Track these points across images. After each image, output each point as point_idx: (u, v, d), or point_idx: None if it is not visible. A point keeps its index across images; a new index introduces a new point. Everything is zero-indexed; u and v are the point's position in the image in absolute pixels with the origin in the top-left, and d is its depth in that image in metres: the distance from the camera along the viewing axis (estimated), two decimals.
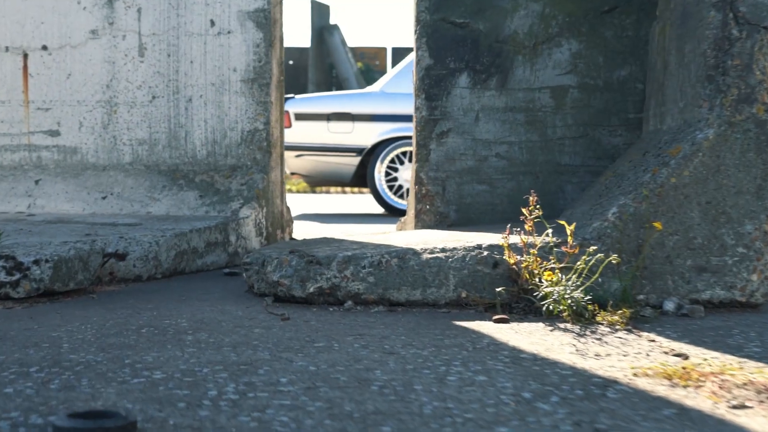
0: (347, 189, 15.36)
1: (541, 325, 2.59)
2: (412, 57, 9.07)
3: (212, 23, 4.45)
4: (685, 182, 2.83)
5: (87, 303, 3.00)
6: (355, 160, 8.84)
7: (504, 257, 2.82)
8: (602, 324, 2.57)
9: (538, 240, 2.78)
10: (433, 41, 3.98)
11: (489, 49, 3.97)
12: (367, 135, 8.81)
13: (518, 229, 2.81)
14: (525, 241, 2.76)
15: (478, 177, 3.95)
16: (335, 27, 20.59)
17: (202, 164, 4.49)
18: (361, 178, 8.95)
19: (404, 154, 8.82)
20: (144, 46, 4.52)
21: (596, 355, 2.20)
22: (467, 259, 2.85)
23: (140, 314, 2.78)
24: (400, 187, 8.85)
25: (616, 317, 2.54)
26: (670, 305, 2.75)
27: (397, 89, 8.81)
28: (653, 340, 2.38)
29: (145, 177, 4.50)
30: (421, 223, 3.97)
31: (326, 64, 20.33)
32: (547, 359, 2.15)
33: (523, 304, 2.76)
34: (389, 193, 8.81)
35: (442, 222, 3.95)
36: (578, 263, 2.64)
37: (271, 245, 3.55)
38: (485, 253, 2.85)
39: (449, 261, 2.86)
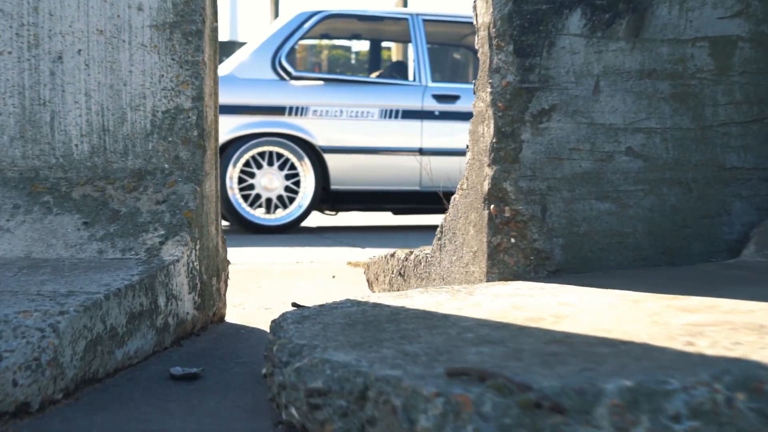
0: None
1: None
2: (270, 32, 7.27)
3: None
4: None
5: None
6: None
7: None
8: None
9: None
10: None
11: None
12: None
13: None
14: None
15: (599, 188, 2.31)
16: None
17: (83, 168, 2.59)
18: None
19: (262, 155, 7.02)
20: None
21: None
22: None
23: None
24: (258, 196, 7.04)
25: None
26: None
27: (255, 73, 6.99)
28: None
29: None
30: (499, 267, 2.28)
31: None
32: None
33: None
34: (244, 205, 6.98)
35: (540, 266, 2.27)
36: None
37: (291, 324, 1.76)
38: None
39: None
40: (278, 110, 6.97)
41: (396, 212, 7.91)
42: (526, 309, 1.83)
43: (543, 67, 2.29)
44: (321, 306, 2.05)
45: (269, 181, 7.02)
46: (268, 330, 2.68)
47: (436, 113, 7.24)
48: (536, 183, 2.28)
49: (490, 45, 2.30)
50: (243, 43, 9.22)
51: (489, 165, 2.30)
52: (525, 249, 2.28)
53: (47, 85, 2.59)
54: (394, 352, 1.49)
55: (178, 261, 2.40)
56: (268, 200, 7.05)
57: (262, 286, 3.69)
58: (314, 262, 4.69)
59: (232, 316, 2.91)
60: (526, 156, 2.28)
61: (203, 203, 2.59)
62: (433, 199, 7.36)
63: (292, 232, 7.09)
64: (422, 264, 2.78)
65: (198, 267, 2.53)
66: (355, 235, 7.00)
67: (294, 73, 7.09)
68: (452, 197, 2.58)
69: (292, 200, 7.07)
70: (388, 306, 1.98)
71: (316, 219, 8.51)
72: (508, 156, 2.28)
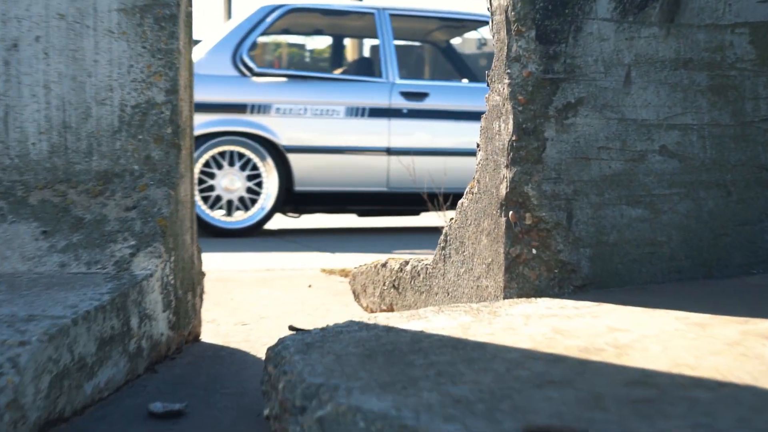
0: None
1: None
2: (230, 26, 6.96)
3: None
4: None
5: None
6: None
7: None
8: None
9: None
10: None
11: None
12: None
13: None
14: None
15: (630, 192, 2.06)
16: None
17: (41, 170, 2.28)
18: None
19: (223, 154, 6.70)
20: None
21: None
22: None
23: None
24: (218, 198, 6.71)
25: None
26: None
27: (214, 69, 6.66)
28: None
29: None
30: (518, 281, 2.02)
31: None
32: None
33: None
34: (203, 207, 6.65)
35: (565, 279, 2.01)
36: None
37: (295, 353, 1.48)
38: None
39: None
40: (239, 108, 6.66)
41: (361, 214, 7.62)
42: (572, 335, 1.56)
43: (569, 55, 2.03)
44: (323, 330, 1.77)
45: (230, 182, 6.70)
46: (249, 351, 2.39)
47: (405, 111, 6.97)
48: (561, 186, 2.02)
49: (508, 30, 2.03)
50: (196, 42, 8.91)
51: (507, 166, 2.04)
52: (548, 261, 2.02)
53: (1, 76, 2.27)
54: (437, 396, 1.21)
55: (151, 275, 2.10)
56: (229, 202, 6.73)
57: (235, 298, 3.39)
58: (285, 270, 4.39)
59: (207, 334, 2.62)
60: (550, 156, 2.02)
61: (178, 209, 2.29)
62: (401, 201, 7.09)
63: (255, 235, 6.78)
64: (421, 276, 2.51)
65: (173, 281, 2.24)
66: (320, 239, 6.71)
67: (256, 69, 6.78)
68: (459, 202, 2.31)
69: (254, 202, 6.76)
70: (404, 330, 1.71)
71: (277, 221, 8.21)
72: (530, 156, 2.01)
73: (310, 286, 3.74)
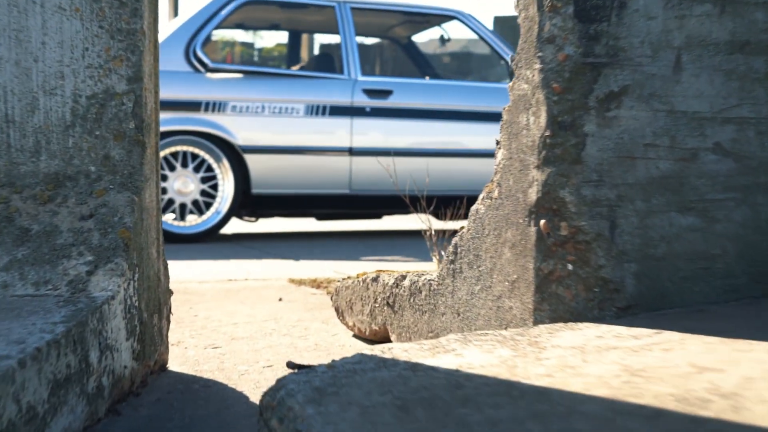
0: None
1: None
2: (182, 19, 6.57)
3: None
4: None
5: None
6: None
7: None
8: None
9: None
10: None
11: None
12: None
13: None
14: None
15: (680, 197, 1.75)
16: None
17: None
18: None
19: (175, 155, 6.31)
20: None
21: None
22: None
23: None
24: (171, 201, 6.32)
25: None
26: None
27: (166, 64, 6.26)
28: None
29: None
30: (551, 302, 1.71)
31: None
32: None
33: None
34: None
35: (607, 300, 1.70)
36: None
37: (306, 403, 1.15)
38: None
39: None
40: (193, 106, 6.27)
41: (320, 218, 7.26)
42: (653, 378, 1.25)
43: (611, 36, 1.72)
44: (331, 368, 1.44)
45: (183, 185, 6.31)
46: (227, 383, 2.04)
47: (367, 110, 6.63)
48: (603, 191, 1.71)
49: (540, 6, 1.72)
50: None
51: (538, 167, 1.72)
52: (587, 278, 1.70)
53: None
54: None
55: (113, 298, 1.75)
56: (182, 205, 6.34)
57: (199, 314, 3.04)
58: (249, 280, 4.04)
59: (174, 360, 2.27)
60: (591, 154, 1.70)
61: (143, 218, 1.94)
62: (364, 204, 6.76)
63: (210, 240, 6.40)
64: (423, 293, 2.18)
65: (137, 303, 1.89)
66: (280, 244, 6.35)
67: (210, 65, 6.39)
68: (472, 208, 1.99)
69: (209, 205, 6.37)
70: (434, 369, 1.39)
71: (233, 226, 7.83)
72: (567, 155, 1.70)
73: (280, 299, 3.39)
